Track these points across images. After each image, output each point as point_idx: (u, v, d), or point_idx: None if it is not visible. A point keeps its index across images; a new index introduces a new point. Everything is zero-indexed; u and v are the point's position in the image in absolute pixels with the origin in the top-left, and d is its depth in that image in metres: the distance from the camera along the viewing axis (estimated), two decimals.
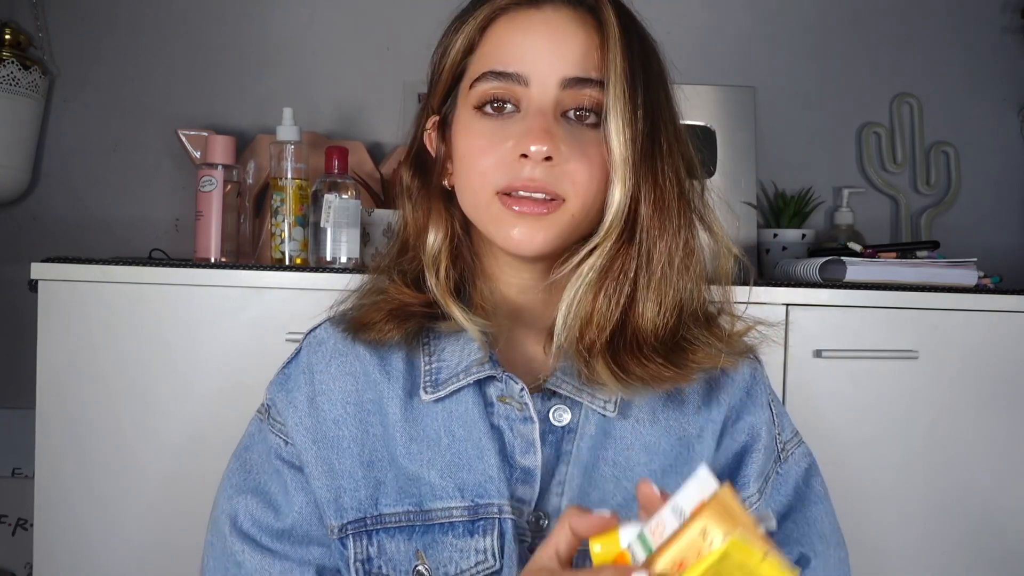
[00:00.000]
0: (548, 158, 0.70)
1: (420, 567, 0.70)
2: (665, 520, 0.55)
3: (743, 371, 0.80)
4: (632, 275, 0.71)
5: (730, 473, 0.77)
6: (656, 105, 0.72)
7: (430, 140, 0.80)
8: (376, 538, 0.71)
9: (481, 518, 0.70)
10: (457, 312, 0.74)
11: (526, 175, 0.70)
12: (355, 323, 0.78)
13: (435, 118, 0.80)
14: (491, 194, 0.72)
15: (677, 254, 0.72)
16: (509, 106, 0.73)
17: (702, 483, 0.55)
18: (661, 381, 0.71)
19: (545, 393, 0.75)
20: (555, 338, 0.72)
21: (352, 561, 0.71)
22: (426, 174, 0.80)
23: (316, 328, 0.81)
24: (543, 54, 0.72)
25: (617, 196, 0.70)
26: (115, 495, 1.22)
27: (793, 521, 0.78)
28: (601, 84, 0.71)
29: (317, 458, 0.73)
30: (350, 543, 0.71)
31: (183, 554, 1.21)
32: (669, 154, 0.72)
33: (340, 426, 0.75)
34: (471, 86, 0.74)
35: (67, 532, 1.21)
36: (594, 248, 0.71)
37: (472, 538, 0.70)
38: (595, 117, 0.72)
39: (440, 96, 0.78)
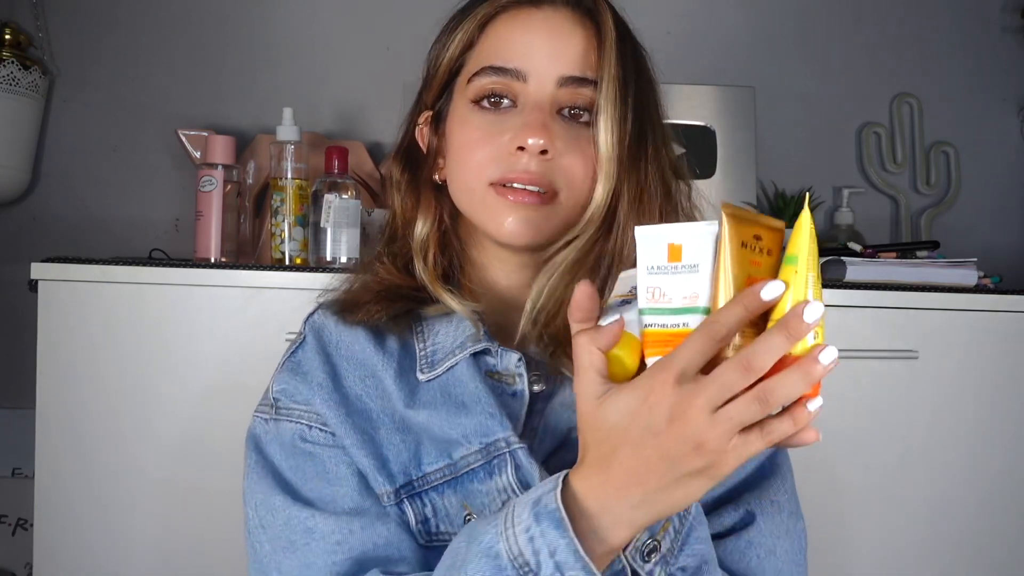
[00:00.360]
0: (544, 152, 0.71)
1: (469, 518, 0.69)
2: (653, 284, 0.51)
3: None
4: (603, 271, 0.72)
5: None
6: (647, 109, 0.74)
7: (422, 135, 0.81)
8: (427, 498, 0.70)
9: (494, 457, 0.69)
10: (445, 295, 0.75)
11: (521, 167, 0.71)
12: (345, 305, 0.78)
13: (428, 113, 0.81)
14: (485, 185, 0.73)
15: None
16: (506, 101, 0.74)
17: (651, 236, 0.52)
18: None
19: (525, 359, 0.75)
20: (522, 321, 0.73)
21: (413, 524, 0.70)
22: (416, 169, 0.81)
23: (312, 314, 0.81)
24: (542, 52, 0.73)
25: (600, 191, 0.71)
26: (115, 495, 1.22)
27: (747, 488, 0.77)
28: (596, 84, 0.72)
29: (354, 429, 0.72)
30: (407, 507, 0.70)
31: (183, 553, 1.21)
32: (655, 156, 0.74)
33: (364, 400, 0.74)
34: (469, 81, 0.75)
35: (67, 532, 1.21)
36: (573, 239, 0.72)
37: (491, 480, 0.69)
38: (589, 116, 0.73)
39: (435, 92, 0.79)
